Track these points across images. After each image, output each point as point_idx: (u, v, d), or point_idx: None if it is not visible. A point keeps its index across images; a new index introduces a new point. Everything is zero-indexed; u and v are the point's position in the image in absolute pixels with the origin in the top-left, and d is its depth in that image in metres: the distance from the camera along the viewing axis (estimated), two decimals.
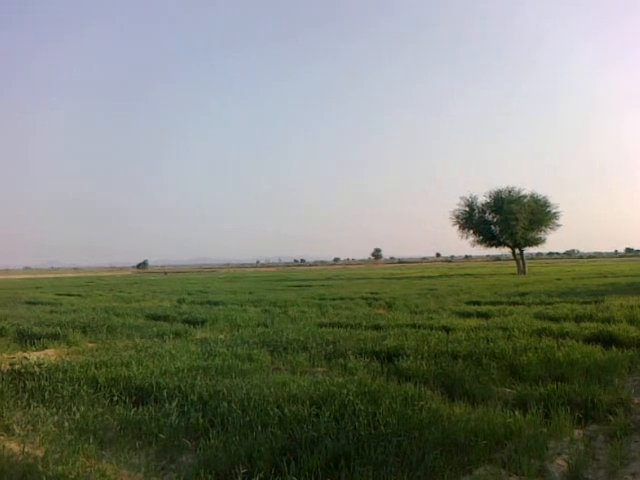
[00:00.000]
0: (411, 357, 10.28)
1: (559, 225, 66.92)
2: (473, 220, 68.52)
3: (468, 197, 69.12)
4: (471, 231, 69.08)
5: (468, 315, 18.23)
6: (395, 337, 12.77)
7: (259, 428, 6.38)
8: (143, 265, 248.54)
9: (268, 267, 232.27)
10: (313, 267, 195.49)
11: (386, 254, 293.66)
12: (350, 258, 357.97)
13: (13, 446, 6.18)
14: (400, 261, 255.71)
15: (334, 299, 27.25)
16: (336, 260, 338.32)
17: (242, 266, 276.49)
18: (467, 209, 69.09)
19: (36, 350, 13.14)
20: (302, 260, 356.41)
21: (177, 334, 15.33)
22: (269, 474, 5.22)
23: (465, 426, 6.36)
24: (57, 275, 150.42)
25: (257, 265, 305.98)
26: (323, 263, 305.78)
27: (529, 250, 74.19)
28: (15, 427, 7.10)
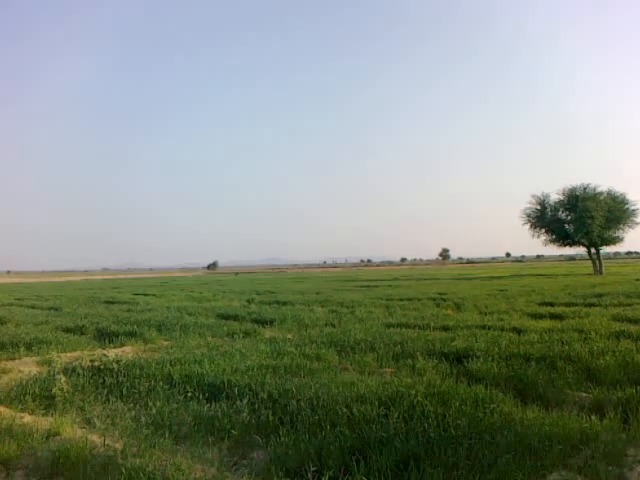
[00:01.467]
0: (481, 359, 10.09)
1: (638, 223, 63.74)
2: (545, 219, 66.21)
3: (540, 195, 66.92)
4: (543, 230, 66.79)
5: (541, 316, 17.68)
6: (464, 338, 12.57)
7: (328, 427, 6.44)
8: (213, 266, 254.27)
9: (335, 267, 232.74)
10: (380, 267, 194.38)
11: (454, 254, 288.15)
12: (417, 258, 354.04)
13: (95, 438, 6.50)
14: (469, 261, 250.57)
15: (401, 299, 27.04)
16: (403, 260, 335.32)
17: (309, 266, 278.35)
18: (539, 207, 66.85)
19: (114, 347, 13.73)
20: (368, 260, 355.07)
21: (246, 333, 15.65)
22: (338, 473, 5.26)
23: (539, 430, 6.20)
24: (133, 276, 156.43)
25: (324, 265, 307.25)
26: (390, 263, 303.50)
27: (606, 249, 71.00)
28: (96, 420, 7.48)
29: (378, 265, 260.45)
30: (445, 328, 15.15)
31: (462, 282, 47.52)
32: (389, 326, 16.01)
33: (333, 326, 16.75)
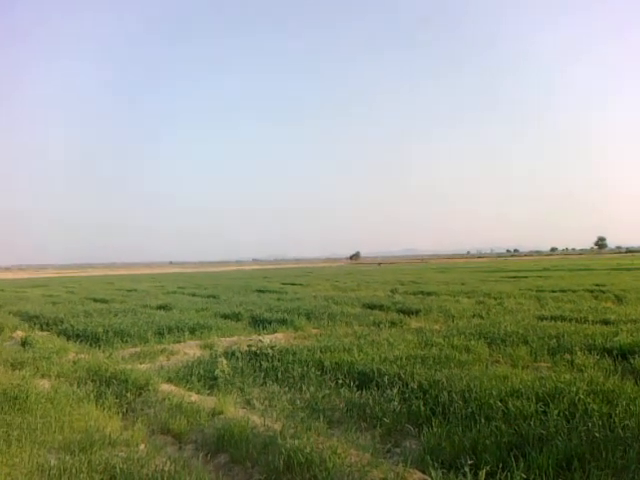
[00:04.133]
0: None
1: None
2: None
3: None
4: None
5: None
6: (629, 333, 11.62)
7: (482, 421, 6.29)
8: (356, 256, 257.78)
9: (479, 258, 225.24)
10: (527, 257, 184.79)
11: (611, 243, 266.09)
12: (569, 248, 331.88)
13: (255, 418, 6.89)
14: (628, 250, 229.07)
15: (553, 291, 25.58)
16: (553, 250, 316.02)
17: (452, 257, 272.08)
18: None
19: (267, 333, 14.43)
20: (515, 250, 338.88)
21: (392, 323, 15.69)
22: (495, 468, 5.12)
23: None
24: (280, 266, 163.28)
25: (468, 256, 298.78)
26: (538, 253, 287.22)
27: None
28: (255, 402, 7.94)
29: (526, 255, 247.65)
30: (605, 322, 14.12)
31: (622, 273, 43.78)
32: (542, 319, 15.26)
33: (481, 317, 16.29)
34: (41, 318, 19.11)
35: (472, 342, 11.42)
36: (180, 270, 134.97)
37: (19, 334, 15.53)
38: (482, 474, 4.79)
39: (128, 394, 8.42)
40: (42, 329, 17.29)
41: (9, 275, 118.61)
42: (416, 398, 7.39)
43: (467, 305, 20.15)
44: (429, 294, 26.21)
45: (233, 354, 10.83)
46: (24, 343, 13.89)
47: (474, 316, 16.76)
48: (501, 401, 6.83)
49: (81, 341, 14.26)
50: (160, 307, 22.38)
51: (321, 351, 10.72)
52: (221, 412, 7.26)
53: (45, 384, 9.03)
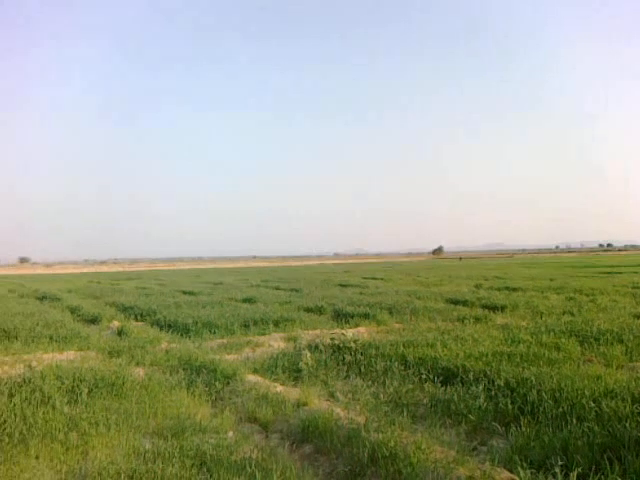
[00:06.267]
0: None
1: None
2: None
3: None
4: None
5: None
6: None
7: (573, 421, 6.07)
8: (438, 251, 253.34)
9: (569, 252, 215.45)
10: (622, 252, 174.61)
11: None
12: None
13: (338, 411, 6.98)
14: None
15: None
16: None
17: (539, 251, 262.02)
18: None
19: (350, 327, 14.51)
20: (608, 245, 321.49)
21: (477, 319, 15.38)
22: (587, 471, 4.93)
23: None
24: (361, 260, 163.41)
25: (556, 250, 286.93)
26: (634, 248, 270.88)
27: None
28: (338, 394, 8.03)
29: (620, 250, 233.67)
30: None
31: None
32: (638, 317, 14.48)
33: (572, 314, 15.63)
34: (135, 309, 20.10)
35: (562, 340, 11.00)
36: (264, 264, 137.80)
37: (115, 324, 16.42)
38: (573, 476, 4.64)
39: (217, 383, 8.73)
40: (137, 319, 18.19)
41: (105, 268, 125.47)
42: (503, 396, 7.22)
43: (556, 301, 19.45)
44: (515, 290, 25.45)
45: (316, 347, 10.97)
46: (120, 332, 14.68)
47: (564, 313, 16.12)
48: (594, 402, 6.56)
49: (172, 331, 14.88)
50: (245, 300, 22.95)
51: (404, 346, 10.66)
52: (305, 403, 7.40)
53: (140, 372, 9.49)
